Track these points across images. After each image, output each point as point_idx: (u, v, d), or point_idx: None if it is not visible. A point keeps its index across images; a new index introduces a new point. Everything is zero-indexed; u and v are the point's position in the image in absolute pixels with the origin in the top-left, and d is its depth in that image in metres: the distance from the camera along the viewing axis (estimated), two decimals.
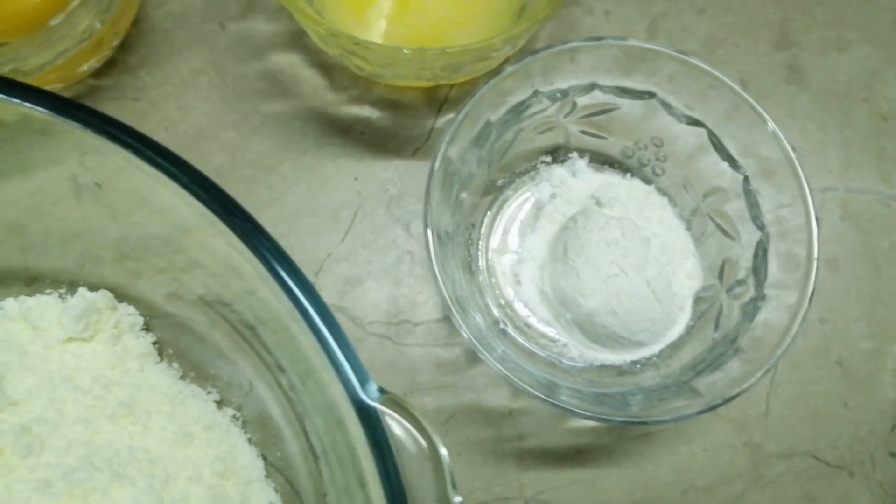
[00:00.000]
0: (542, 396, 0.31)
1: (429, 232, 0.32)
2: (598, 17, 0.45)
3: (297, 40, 0.43)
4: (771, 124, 0.35)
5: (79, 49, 0.38)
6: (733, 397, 0.32)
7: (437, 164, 0.33)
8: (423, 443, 0.24)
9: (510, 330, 0.39)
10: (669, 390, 0.34)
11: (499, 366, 0.32)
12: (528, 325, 0.39)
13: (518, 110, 0.37)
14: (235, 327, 0.37)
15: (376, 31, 0.41)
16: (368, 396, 0.25)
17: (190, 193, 0.26)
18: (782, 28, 0.45)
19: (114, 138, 0.26)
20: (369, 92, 0.43)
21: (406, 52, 0.35)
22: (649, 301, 0.37)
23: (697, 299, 0.39)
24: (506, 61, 0.42)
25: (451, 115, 0.43)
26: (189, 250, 0.35)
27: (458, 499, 0.24)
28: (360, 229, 0.41)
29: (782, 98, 0.44)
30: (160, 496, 0.34)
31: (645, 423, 0.31)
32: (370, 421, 0.24)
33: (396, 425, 0.25)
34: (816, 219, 0.34)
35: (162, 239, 0.36)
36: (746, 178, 0.37)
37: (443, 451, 0.24)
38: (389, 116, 0.43)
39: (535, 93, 0.37)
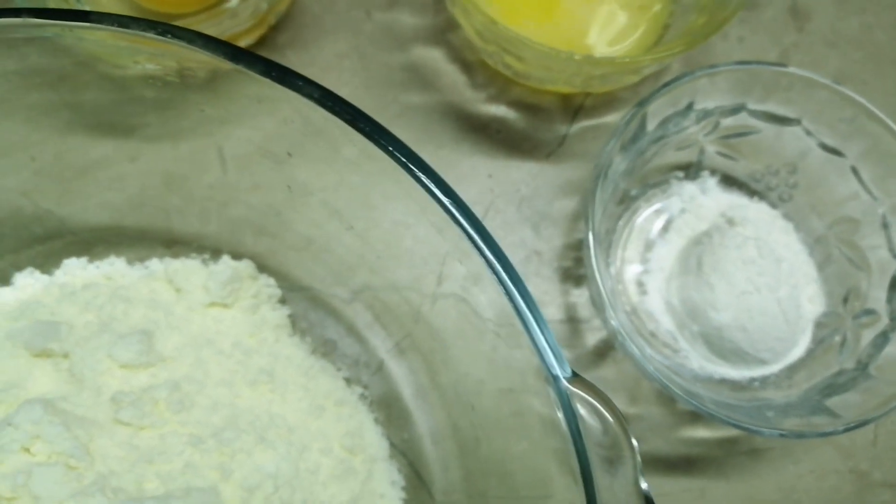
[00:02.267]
0: (696, 404, 0.32)
1: (590, 236, 0.33)
2: (731, 42, 0.46)
3: (440, 35, 0.44)
4: None
5: (244, 26, 0.39)
6: (871, 420, 0.33)
7: (604, 167, 0.34)
8: (616, 428, 0.25)
9: (635, 337, 0.40)
10: (804, 408, 0.35)
11: (648, 367, 0.33)
12: (652, 334, 0.40)
13: (667, 125, 0.38)
14: (374, 305, 0.38)
15: (526, 33, 0.42)
16: (563, 375, 0.25)
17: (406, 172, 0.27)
18: None
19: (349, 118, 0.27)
20: (507, 92, 0.44)
21: (565, 54, 0.36)
22: (778, 320, 0.38)
23: (817, 324, 0.40)
24: (645, 78, 0.43)
25: (585, 123, 0.44)
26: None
27: (645, 485, 0.25)
28: (490, 226, 0.42)
29: None
30: (297, 464, 0.34)
31: (791, 435, 0.32)
32: (564, 400, 0.25)
33: (586, 408, 0.25)
34: None
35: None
36: (884, 214, 0.38)
37: (633, 439, 0.25)
38: (525, 118, 0.44)
39: (688, 109, 0.38)
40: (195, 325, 0.37)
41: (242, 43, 0.41)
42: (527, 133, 0.43)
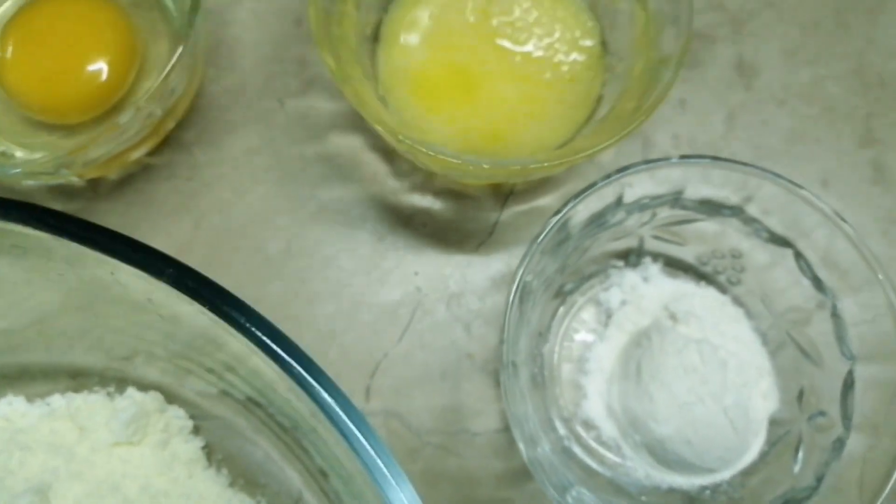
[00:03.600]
0: None
1: (505, 375, 0.30)
2: (672, 105, 0.43)
3: (359, 121, 0.41)
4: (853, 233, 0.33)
5: (135, 139, 0.36)
6: None
7: (514, 293, 0.31)
8: None
9: (574, 447, 0.37)
10: None
11: None
12: (593, 443, 0.37)
13: (597, 223, 0.35)
14: (277, 431, 0.36)
15: (444, 118, 0.39)
16: None
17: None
18: (867, 123, 0.43)
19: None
20: (431, 181, 0.41)
21: (485, 166, 0.33)
22: (725, 431, 0.35)
23: (772, 422, 0.37)
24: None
25: (517, 208, 0.41)
26: (228, 349, 0.33)
27: None
28: (418, 328, 0.39)
29: (865, 199, 0.42)
30: None
31: None
32: None
33: None
34: None
35: (206, 338, 0.34)
36: (834, 305, 0.35)
37: None
38: (452, 207, 0.41)
39: (616, 204, 0.35)
40: (99, 468, 0.35)
41: (141, 151, 0.39)
42: (455, 223, 0.41)
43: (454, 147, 0.39)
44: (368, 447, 0.26)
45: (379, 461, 0.25)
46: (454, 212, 0.41)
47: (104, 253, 0.25)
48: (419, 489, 0.37)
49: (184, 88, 0.36)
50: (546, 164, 0.33)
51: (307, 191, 0.41)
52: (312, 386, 0.24)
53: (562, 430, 0.37)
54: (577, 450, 0.37)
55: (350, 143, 0.41)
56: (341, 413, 0.25)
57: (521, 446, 0.30)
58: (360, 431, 0.25)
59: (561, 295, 0.39)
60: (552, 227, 0.32)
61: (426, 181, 0.41)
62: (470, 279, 0.40)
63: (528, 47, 0.40)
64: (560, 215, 0.32)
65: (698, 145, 0.42)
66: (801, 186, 0.33)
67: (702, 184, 0.35)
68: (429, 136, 0.39)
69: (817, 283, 0.35)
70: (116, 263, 0.25)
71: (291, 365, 0.25)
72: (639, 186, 0.35)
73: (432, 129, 0.39)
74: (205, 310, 0.24)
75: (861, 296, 0.34)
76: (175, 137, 0.41)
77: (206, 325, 0.26)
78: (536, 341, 0.37)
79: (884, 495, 0.31)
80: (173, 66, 0.33)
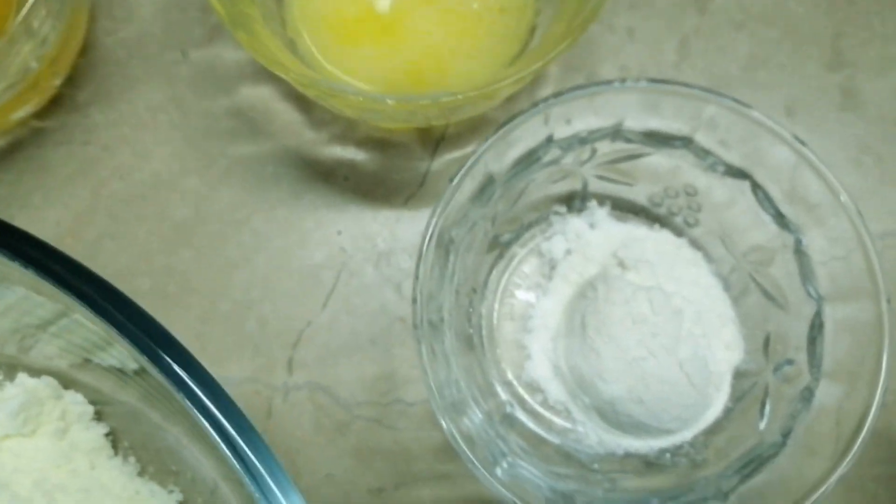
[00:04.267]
0: None
1: (418, 336, 0.27)
2: (620, 35, 0.39)
3: (270, 70, 0.37)
4: (825, 171, 0.29)
5: (10, 94, 0.32)
6: None
7: (427, 243, 0.27)
8: None
9: (518, 413, 0.33)
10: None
11: (502, 489, 0.26)
12: (539, 407, 0.33)
13: (527, 162, 0.31)
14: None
15: (363, 58, 0.35)
16: None
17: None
18: (835, 45, 0.39)
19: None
20: (354, 130, 0.37)
21: (390, 102, 0.29)
22: (682, 386, 0.31)
23: (737, 374, 0.34)
24: (511, 96, 0.36)
25: (449, 155, 0.37)
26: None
27: None
28: (344, 292, 0.36)
29: (835, 127, 0.38)
30: None
31: None
32: None
33: None
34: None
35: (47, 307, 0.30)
36: (798, 240, 0.31)
37: None
38: (378, 158, 0.37)
39: (548, 140, 0.31)
40: None
41: (25, 110, 0.35)
42: (381, 176, 0.37)
43: (376, 90, 0.35)
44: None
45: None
46: (379, 163, 0.37)
47: None
48: (351, 466, 0.34)
49: (60, 37, 0.32)
50: (460, 97, 0.29)
51: (216, 149, 0.37)
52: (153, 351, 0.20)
53: (503, 395, 0.33)
54: (522, 416, 0.33)
55: (262, 94, 0.37)
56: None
57: (440, 417, 0.27)
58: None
59: (497, 247, 0.35)
60: (468, 168, 0.28)
61: (347, 130, 0.37)
62: (400, 236, 0.36)
63: None
64: (475, 157, 0.28)
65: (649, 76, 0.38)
66: (751, 107, 0.29)
67: (645, 112, 0.31)
68: (345, 80, 0.35)
69: (780, 219, 0.32)
70: None
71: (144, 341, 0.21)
72: (577, 120, 0.31)
73: (350, 72, 0.36)
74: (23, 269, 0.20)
75: (829, 230, 0.31)
76: (68, 97, 0.37)
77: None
78: (470, 298, 0.34)
79: (856, 446, 0.27)
80: (32, 7, 0.29)
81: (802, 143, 0.30)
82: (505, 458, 0.28)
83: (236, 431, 0.20)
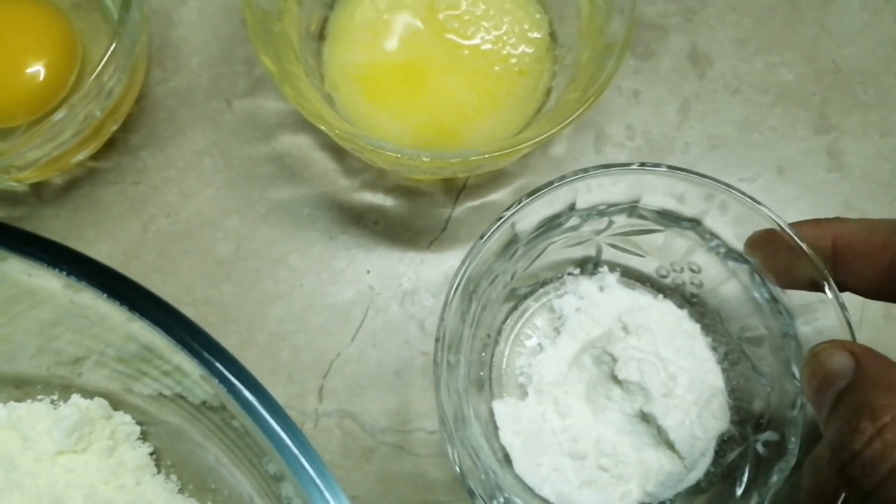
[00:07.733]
0: None
1: (437, 374, 0.30)
2: (627, 96, 0.42)
3: (307, 120, 0.41)
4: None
5: (74, 141, 0.35)
6: None
7: (454, 290, 0.30)
8: None
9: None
10: None
11: None
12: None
13: (549, 226, 0.34)
14: (230, 435, 0.35)
15: (391, 115, 0.39)
16: None
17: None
18: (822, 110, 0.43)
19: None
20: (383, 178, 0.40)
21: (425, 159, 0.32)
22: (664, 458, 0.34)
23: (722, 441, 0.36)
24: (529, 154, 0.39)
25: (470, 203, 0.40)
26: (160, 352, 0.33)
27: None
28: (371, 327, 0.39)
29: (822, 185, 0.42)
30: None
31: None
32: None
33: None
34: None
35: (139, 343, 0.34)
36: (789, 325, 0.33)
37: None
38: (404, 204, 0.40)
39: (570, 208, 0.34)
40: (42, 478, 0.34)
41: (84, 153, 0.38)
42: (407, 221, 0.40)
43: (404, 143, 0.38)
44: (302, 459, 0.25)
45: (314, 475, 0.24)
46: (406, 209, 0.40)
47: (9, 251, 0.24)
48: (375, 489, 0.37)
49: (123, 89, 0.35)
50: (486, 156, 0.32)
51: (256, 191, 0.40)
52: (235, 387, 0.23)
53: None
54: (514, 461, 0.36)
55: (299, 143, 0.41)
56: (274, 424, 0.24)
57: (449, 449, 0.29)
58: (294, 444, 0.24)
59: (514, 299, 0.38)
60: (497, 228, 0.31)
61: (377, 178, 0.40)
62: (423, 276, 0.39)
63: (477, 41, 0.39)
64: (503, 219, 0.31)
65: (652, 136, 0.42)
66: (760, 203, 0.31)
67: (660, 193, 0.34)
68: (376, 133, 0.38)
69: (773, 304, 0.34)
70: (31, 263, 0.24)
71: (218, 369, 0.24)
72: (597, 191, 0.34)
73: (381, 126, 0.39)
74: (124, 310, 0.23)
75: (817, 319, 0.32)
76: (121, 140, 0.40)
77: (135, 329, 0.25)
78: (485, 343, 0.37)
79: None
80: (105, 65, 0.32)
81: (802, 240, 0.31)
82: (502, 493, 0.31)
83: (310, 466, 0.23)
